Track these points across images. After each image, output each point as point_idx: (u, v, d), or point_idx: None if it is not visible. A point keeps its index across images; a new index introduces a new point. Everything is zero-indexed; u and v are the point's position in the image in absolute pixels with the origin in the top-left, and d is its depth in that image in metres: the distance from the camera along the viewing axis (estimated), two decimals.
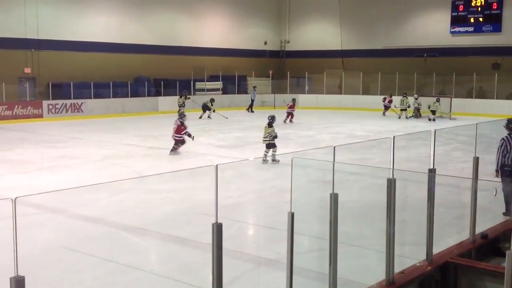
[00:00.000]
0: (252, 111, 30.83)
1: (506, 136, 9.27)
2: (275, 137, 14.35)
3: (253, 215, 9.92)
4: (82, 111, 27.06)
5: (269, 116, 15.02)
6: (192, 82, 32.24)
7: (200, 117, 26.54)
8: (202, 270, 6.27)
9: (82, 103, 27.19)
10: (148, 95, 30.41)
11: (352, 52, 36.21)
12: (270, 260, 6.53)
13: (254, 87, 32.67)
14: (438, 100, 26.90)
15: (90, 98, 27.74)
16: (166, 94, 30.88)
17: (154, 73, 31.28)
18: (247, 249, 7.63)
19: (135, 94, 30.01)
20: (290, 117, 24.56)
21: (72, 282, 6.41)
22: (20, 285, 2.81)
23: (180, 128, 15.63)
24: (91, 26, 29.13)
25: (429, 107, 26.65)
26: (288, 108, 24.94)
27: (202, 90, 32.34)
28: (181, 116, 16.10)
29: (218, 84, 33.69)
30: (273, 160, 14.08)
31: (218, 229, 3.33)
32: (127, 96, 29.41)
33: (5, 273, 3.14)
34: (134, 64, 30.57)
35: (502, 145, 9.19)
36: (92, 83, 27.87)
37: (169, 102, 30.37)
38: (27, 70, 26.98)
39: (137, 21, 31.38)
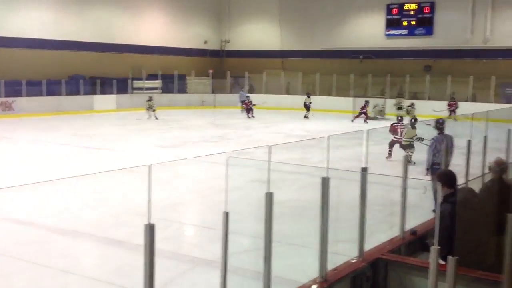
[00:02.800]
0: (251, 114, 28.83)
1: (436, 136, 9.66)
2: (420, 139, 14.04)
3: (190, 215, 9.86)
4: (13, 110, 26.04)
5: (411, 119, 15.53)
6: (130, 80, 31.69)
7: (306, 116, 27.59)
8: (136, 272, 6.16)
9: (12, 101, 26.16)
10: (84, 94, 29.64)
11: (291, 52, 36.63)
12: (207, 260, 6.52)
13: (242, 88, 33.22)
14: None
15: (22, 96, 26.75)
16: (102, 92, 30.20)
17: (90, 71, 30.50)
18: (184, 250, 7.58)
19: (70, 92, 29.16)
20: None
21: (0, 286, 6.16)
22: None
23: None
24: (23, 21, 28.03)
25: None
26: (361, 109, 26.13)
27: (141, 89, 31.83)
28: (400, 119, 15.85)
29: (157, 83, 33.28)
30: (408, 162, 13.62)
31: (150, 230, 3.28)
32: (62, 94, 28.56)
33: None
34: (69, 61, 29.70)
35: (432, 144, 9.56)
36: (23, 81, 26.87)
37: (105, 100, 29.73)
38: None
39: (72, 17, 30.47)
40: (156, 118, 25.45)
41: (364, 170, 5.24)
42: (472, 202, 4.67)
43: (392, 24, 33.72)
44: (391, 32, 33.81)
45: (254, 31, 38.59)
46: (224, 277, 3.95)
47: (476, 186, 6.28)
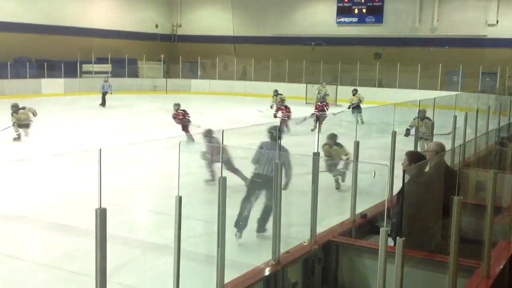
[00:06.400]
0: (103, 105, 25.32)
1: (265, 141, 7.54)
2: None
3: (142, 200, 9.75)
4: None
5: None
6: (78, 64, 30.90)
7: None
8: (86, 257, 6.08)
9: None
10: (31, 77, 28.70)
11: (244, 38, 36.52)
12: (159, 245, 6.48)
13: (106, 77, 27.34)
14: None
15: None
16: (50, 76, 29.33)
17: (37, 53, 29.52)
18: (135, 235, 7.51)
19: (16, 75, 28.19)
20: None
21: None
22: None
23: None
24: None
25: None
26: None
27: (90, 72, 31.07)
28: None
29: (107, 67, 32.57)
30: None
31: (101, 214, 3.22)
32: (7, 78, 27.56)
33: None
34: (14, 43, 28.66)
35: (257, 152, 7.36)
36: None
37: (53, 84, 28.91)
38: None
39: None
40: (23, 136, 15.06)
41: (316, 154, 5.29)
42: (421, 182, 4.75)
43: (343, 11, 34.09)
44: (342, 19, 34.18)
45: (206, 16, 38.24)
46: (177, 262, 3.93)
47: None
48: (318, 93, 27.49)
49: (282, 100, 19.52)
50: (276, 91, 22.36)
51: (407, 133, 11.92)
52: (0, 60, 27.55)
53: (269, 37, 35.64)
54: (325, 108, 18.85)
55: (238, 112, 23.59)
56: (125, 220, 7.86)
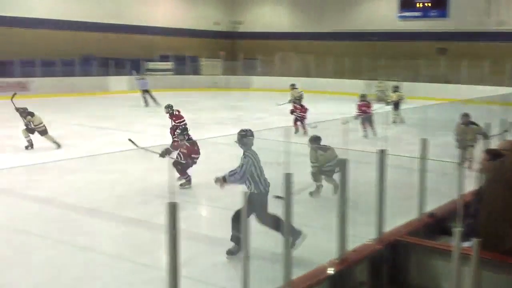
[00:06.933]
0: (150, 103, 24.12)
1: (246, 152, 6.85)
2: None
3: (206, 196, 9.91)
4: (28, 90, 26.18)
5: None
6: (142, 61, 31.73)
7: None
8: (157, 250, 6.27)
9: (28, 82, 26.29)
10: (97, 75, 29.71)
11: (303, 34, 36.40)
12: (227, 241, 6.57)
13: (141, 76, 25.95)
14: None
15: (37, 76, 26.89)
16: (117, 73, 30.28)
17: (102, 51, 30.55)
18: (203, 230, 7.65)
19: (84, 73, 29.27)
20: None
21: (22, 263, 6.27)
22: None
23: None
24: (36, 1, 28.16)
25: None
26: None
27: (154, 70, 31.81)
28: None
29: (170, 65, 33.27)
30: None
31: (172, 208, 3.32)
32: (76, 75, 28.67)
33: None
34: (80, 42, 29.84)
35: (247, 165, 6.70)
36: (37, 61, 26.97)
37: (119, 82, 29.83)
38: None
39: None
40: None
41: (382, 152, 5.22)
42: (500, 180, 4.51)
43: (405, 5, 33.37)
44: (404, 14, 33.44)
45: (266, 13, 38.40)
46: (246, 258, 3.98)
47: None
48: (378, 89, 27.01)
49: (300, 97, 17.38)
50: (293, 85, 19.91)
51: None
52: (67, 57, 28.62)
53: (329, 33, 35.35)
54: (362, 108, 16.39)
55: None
56: (192, 215, 8.04)
